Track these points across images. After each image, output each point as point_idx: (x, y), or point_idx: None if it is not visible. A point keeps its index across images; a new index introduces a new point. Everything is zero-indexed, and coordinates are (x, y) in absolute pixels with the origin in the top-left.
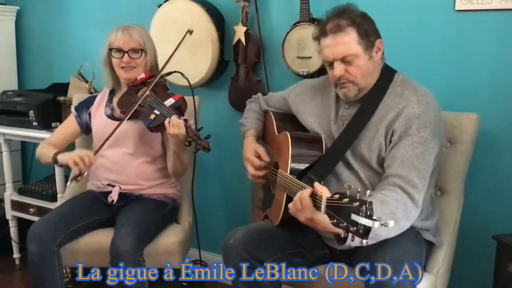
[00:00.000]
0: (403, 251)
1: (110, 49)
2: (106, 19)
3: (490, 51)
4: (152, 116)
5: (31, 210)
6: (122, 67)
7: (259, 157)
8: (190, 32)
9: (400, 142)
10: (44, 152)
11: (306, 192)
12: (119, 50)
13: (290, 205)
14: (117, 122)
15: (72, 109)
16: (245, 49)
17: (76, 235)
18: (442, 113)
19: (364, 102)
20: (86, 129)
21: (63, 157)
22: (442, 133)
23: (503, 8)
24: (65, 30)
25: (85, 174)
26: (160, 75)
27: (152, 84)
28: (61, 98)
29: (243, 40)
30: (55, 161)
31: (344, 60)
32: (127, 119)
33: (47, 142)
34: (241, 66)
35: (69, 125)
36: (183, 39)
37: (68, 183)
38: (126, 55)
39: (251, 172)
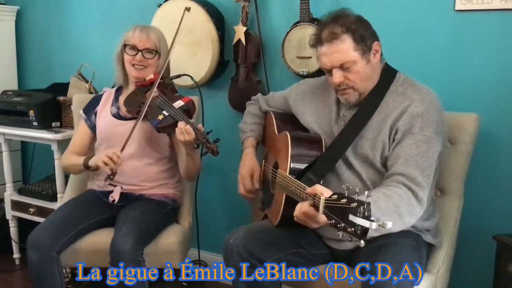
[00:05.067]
0: (403, 252)
1: (125, 46)
2: (106, 19)
3: (490, 51)
4: (160, 117)
5: (31, 210)
6: (133, 65)
7: (252, 176)
8: (187, 9)
9: (403, 140)
10: (71, 162)
11: (305, 204)
12: (134, 47)
13: (295, 216)
14: (123, 122)
15: (81, 112)
16: (245, 49)
17: (76, 239)
18: (444, 112)
19: (365, 102)
20: (95, 130)
21: (92, 161)
22: (445, 132)
23: (503, 8)
24: (65, 30)
25: (116, 172)
26: (169, 78)
27: (157, 83)
28: (61, 98)
29: (243, 40)
30: (86, 166)
31: (342, 67)
32: (138, 119)
33: (68, 152)
34: (241, 66)
35: (82, 132)
36: (182, 17)
37: (103, 183)
38: (139, 53)
39: (241, 192)
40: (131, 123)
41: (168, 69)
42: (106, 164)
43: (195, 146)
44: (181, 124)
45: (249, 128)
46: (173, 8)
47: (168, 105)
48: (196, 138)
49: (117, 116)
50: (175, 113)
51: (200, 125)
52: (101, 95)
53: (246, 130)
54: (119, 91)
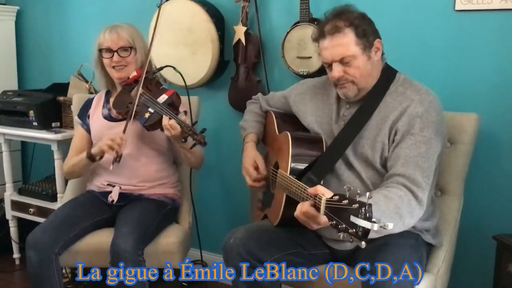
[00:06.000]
0: (403, 252)
1: (100, 50)
2: (106, 19)
3: (490, 51)
4: (147, 115)
5: (31, 210)
6: (113, 67)
7: (257, 167)
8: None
9: (403, 141)
10: (74, 162)
11: (306, 204)
12: (109, 50)
13: (295, 216)
14: (115, 123)
15: (76, 118)
16: (245, 49)
17: (75, 239)
18: (443, 112)
19: (364, 101)
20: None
21: (96, 148)
22: (445, 132)
23: (503, 8)
24: (65, 30)
25: (122, 155)
26: (152, 72)
27: (142, 82)
28: (61, 98)
29: (243, 40)
30: (90, 156)
31: (342, 61)
32: (128, 120)
33: (68, 158)
34: (241, 66)
35: (80, 136)
36: (158, 15)
37: (111, 167)
38: (115, 54)
39: (248, 183)
40: (123, 124)
41: (150, 64)
42: (110, 147)
43: (182, 140)
44: (164, 120)
45: (250, 125)
46: (173, 9)
47: (153, 102)
48: (182, 131)
49: (109, 118)
50: (160, 108)
51: (185, 118)
52: (93, 99)
53: (247, 127)
54: (109, 93)
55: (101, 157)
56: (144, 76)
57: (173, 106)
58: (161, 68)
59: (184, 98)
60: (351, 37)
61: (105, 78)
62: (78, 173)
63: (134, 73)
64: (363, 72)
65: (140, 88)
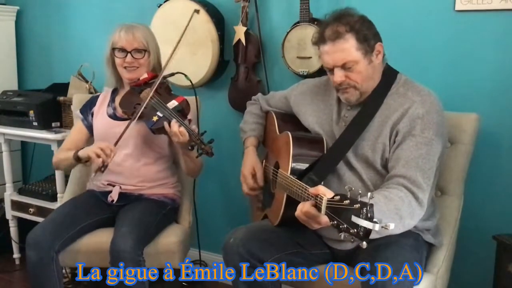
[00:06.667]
0: (403, 252)
1: (113, 49)
2: (106, 19)
3: (490, 51)
4: (155, 118)
5: (31, 210)
6: (125, 67)
7: (255, 175)
8: (197, 11)
9: (404, 142)
10: (62, 157)
11: (307, 204)
12: (122, 50)
13: (296, 216)
14: (119, 122)
15: (77, 113)
16: (245, 49)
17: (75, 238)
18: (444, 113)
19: (366, 103)
20: (92, 130)
21: (83, 152)
22: (445, 133)
23: (503, 8)
24: (65, 30)
25: (108, 165)
26: (162, 77)
27: (156, 86)
28: (61, 98)
29: (243, 40)
30: (76, 158)
31: (344, 67)
32: (132, 120)
33: (61, 149)
34: (241, 66)
35: (78, 130)
36: (190, 20)
37: (92, 175)
38: (129, 55)
39: (244, 191)
40: (126, 124)
41: (160, 67)
42: (98, 155)
43: (189, 148)
44: (174, 126)
45: (249, 127)
46: (173, 8)
47: (162, 106)
48: (190, 139)
49: (114, 117)
50: (169, 114)
51: (194, 126)
52: (98, 96)
53: (246, 129)
54: (115, 91)
55: (87, 161)
56: (159, 80)
57: (182, 113)
58: (172, 74)
59: (191, 102)
60: (352, 42)
61: (115, 76)
62: (64, 168)
63: (145, 75)
64: (364, 77)
65: (152, 92)
